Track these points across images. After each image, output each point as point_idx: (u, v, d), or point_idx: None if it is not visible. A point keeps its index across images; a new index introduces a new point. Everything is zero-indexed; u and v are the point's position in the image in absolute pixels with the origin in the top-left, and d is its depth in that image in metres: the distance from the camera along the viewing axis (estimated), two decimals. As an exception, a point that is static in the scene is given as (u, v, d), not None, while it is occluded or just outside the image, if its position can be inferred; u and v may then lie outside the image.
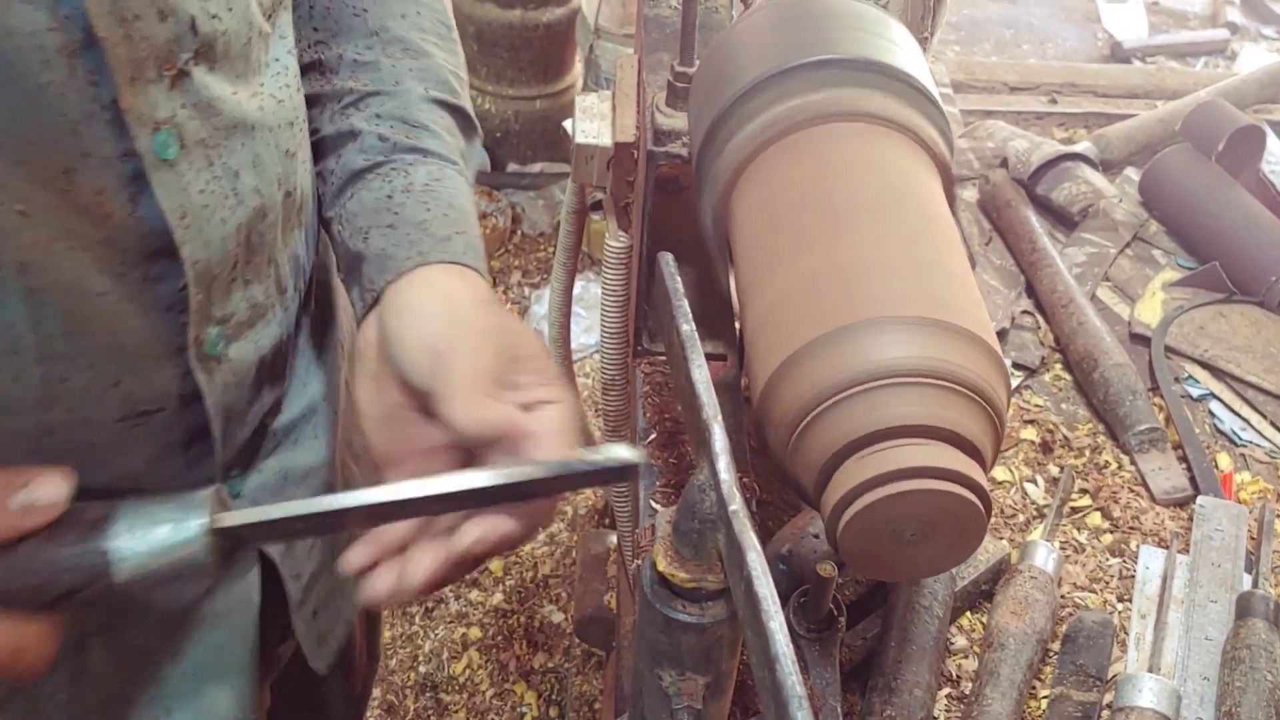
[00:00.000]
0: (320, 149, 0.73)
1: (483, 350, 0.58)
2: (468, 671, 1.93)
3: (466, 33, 2.49)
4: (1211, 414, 1.14)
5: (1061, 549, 0.98)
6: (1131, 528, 1.01)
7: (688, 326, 0.59)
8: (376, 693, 1.80)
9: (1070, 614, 0.91)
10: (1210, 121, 1.41)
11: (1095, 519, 1.02)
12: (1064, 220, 1.43)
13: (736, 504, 0.53)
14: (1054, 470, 1.07)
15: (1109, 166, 1.54)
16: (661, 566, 0.58)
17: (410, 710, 1.81)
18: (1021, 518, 1.02)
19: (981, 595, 0.92)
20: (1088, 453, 1.09)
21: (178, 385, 0.61)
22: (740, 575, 0.52)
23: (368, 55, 0.74)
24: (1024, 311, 1.27)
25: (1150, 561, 0.96)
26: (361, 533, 0.57)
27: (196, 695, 0.73)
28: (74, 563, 0.49)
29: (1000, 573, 0.92)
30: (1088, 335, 1.17)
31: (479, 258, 0.66)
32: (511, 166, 2.69)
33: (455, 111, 0.77)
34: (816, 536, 0.80)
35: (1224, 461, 1.08)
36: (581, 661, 1.69)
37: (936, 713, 0.83)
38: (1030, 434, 1.11)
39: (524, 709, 1.86)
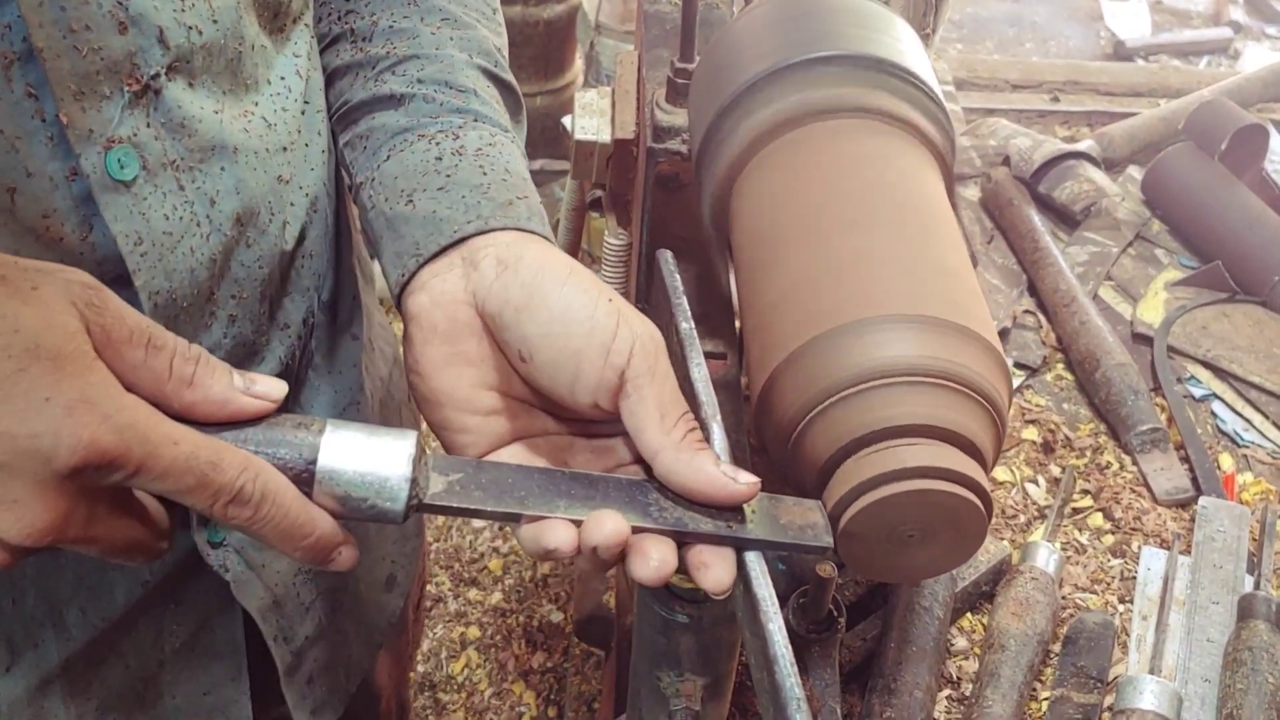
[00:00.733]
0: (350, 116, 0.68)
1: (661, 376, 0.52)
2: (466, 671, 1.93)
3: (467, 29, 2.49)
4: (1214, 414, 1.14)
5: (1063, 550, 0.97)
6: (1133, 528, 1.00)
7: (687, 324, 0.58)
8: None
9: (1071, 615, 0.91)
10: (1213, 120, 1.40)
11: (1097, 520, 1.02)
12: (1066, 219, 1.42)
13: (735, 504, 0.52)
14: (1055, 470, 1.07)
15: (1112, 165, 1.53)
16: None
17: (408, 709, 1.80)
18: (1022, 518, 1.02)
19: (982, 596, 0.92)
20: (1089, 453, 1.09)
21: None
22: (739, 575, 0.51)
23: (405, 23, 0.69)
24: (1026, 311, 1.26)
25: (1152, 563, 0.96)
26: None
27: None
28: (289, 439, 0.47)
29: (1001, 573, 0.91)
30: (1090, 335, 1.17)
31: (544, 224, 0.60)
32: (512, 163, 2.68)
33: (501, 84, 0.71)
34: (816, 536, 0.80)
35: (1226, 462, 1.08)
36: (580, 661, 1.68)
37: (937, 714, 0.82)
38: (1031, 434, 1.10)
39: (522, 709, 1.86)
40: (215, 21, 0.54)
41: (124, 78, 0.50)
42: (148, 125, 0.52)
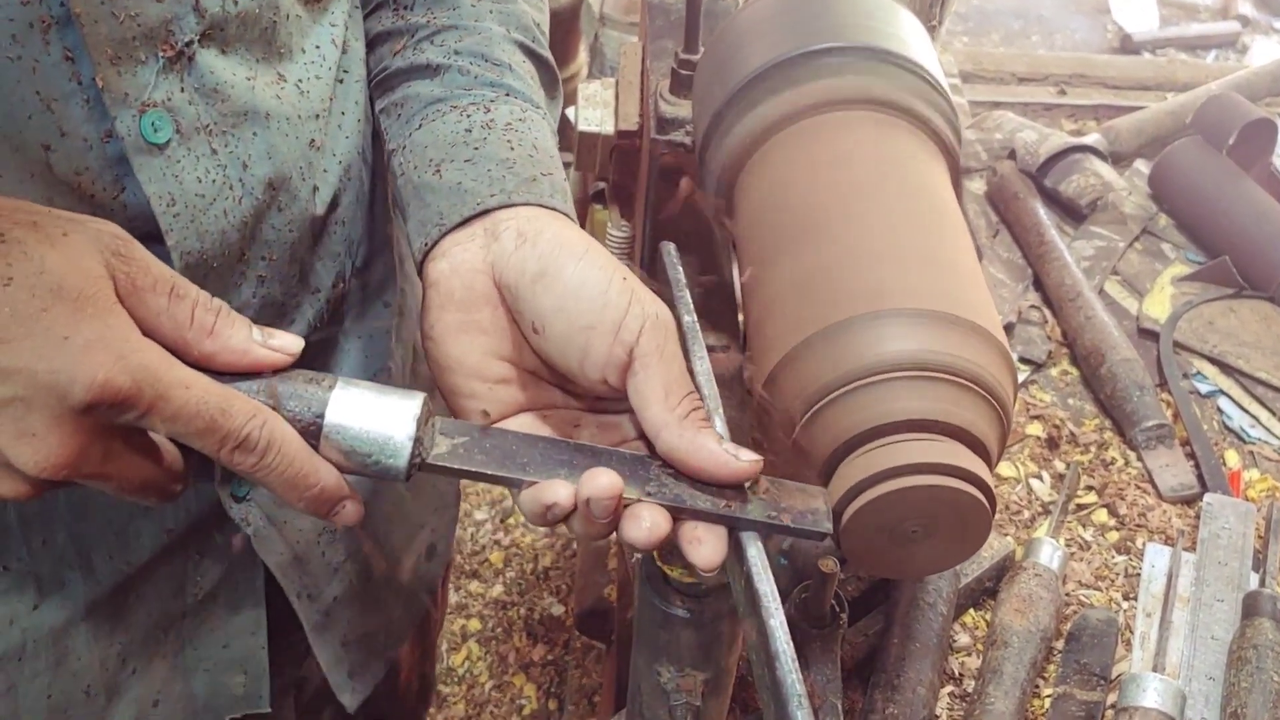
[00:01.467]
0: (388, 83, 0.69)
1: (669, 357, 0.52)
2: (467, 663, 1.93)
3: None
4: (1220, 410, 1.13)
5: (1067, 546, 0.97)
6: (1138, 525, 1.00)
7: (690, 317, 0.58)
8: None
9: (1075, 612, 0.90)
10: (1221, 114, 1.39)
11: (1101, 516, 1.01)
12: (1072, 213, 1.41)
13: (737, 499, 0.52)
14: (1060, 466, 1.06)
15: (1118, 159, 1.52)
16: (661, 562, 0.57)
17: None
18: (1026, 514, 1.01)
19: (985, 592, 0.91)
20: (1094, 449, 1.08)
21: None
22: (740, 570, 0.51)
23: None
24: (1031, 305, 1.26)
25: (1156, 559, 0.95)
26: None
27: (185, 693, 0.71)
28: (300, 393, 0.49)
29: (1004, 570, 0.91)
30: (1095, 330, 1.16)
31: (568, 202, 0.61)
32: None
33: (537, 60, 0.72)
34: (819, 531, 0.79)
35: (1232, 459, 1.07)
36: (581, 654, 1.68)
37: (939, 711, 0.82)
38: (1036, 429, 1.10)
39: (523, 701, 1.86)
40: None
41: (159, 44, 0.52)
42: (181, 90, 0.54)
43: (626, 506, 0.50)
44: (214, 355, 0.48)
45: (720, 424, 0.53)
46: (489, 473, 0.51)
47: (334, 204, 0.67)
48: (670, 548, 0.53)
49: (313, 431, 0.49)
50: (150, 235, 0.54)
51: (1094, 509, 1.02)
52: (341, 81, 0.67)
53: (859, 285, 0.64)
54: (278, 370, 0.49)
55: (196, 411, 0.45)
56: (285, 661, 0.76)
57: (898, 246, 0.66)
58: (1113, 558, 0.97)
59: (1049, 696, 0.84)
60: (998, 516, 1.00)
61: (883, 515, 0.59)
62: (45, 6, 0.48)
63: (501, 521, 2.17)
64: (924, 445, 0.59)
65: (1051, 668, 0.86)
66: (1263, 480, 1.05)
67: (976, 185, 1.46)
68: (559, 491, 0.50)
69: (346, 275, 0.70)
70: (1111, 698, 0.83)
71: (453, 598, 2.01)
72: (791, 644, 0.47)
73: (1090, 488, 1.04)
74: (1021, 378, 1.16)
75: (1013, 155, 1.47)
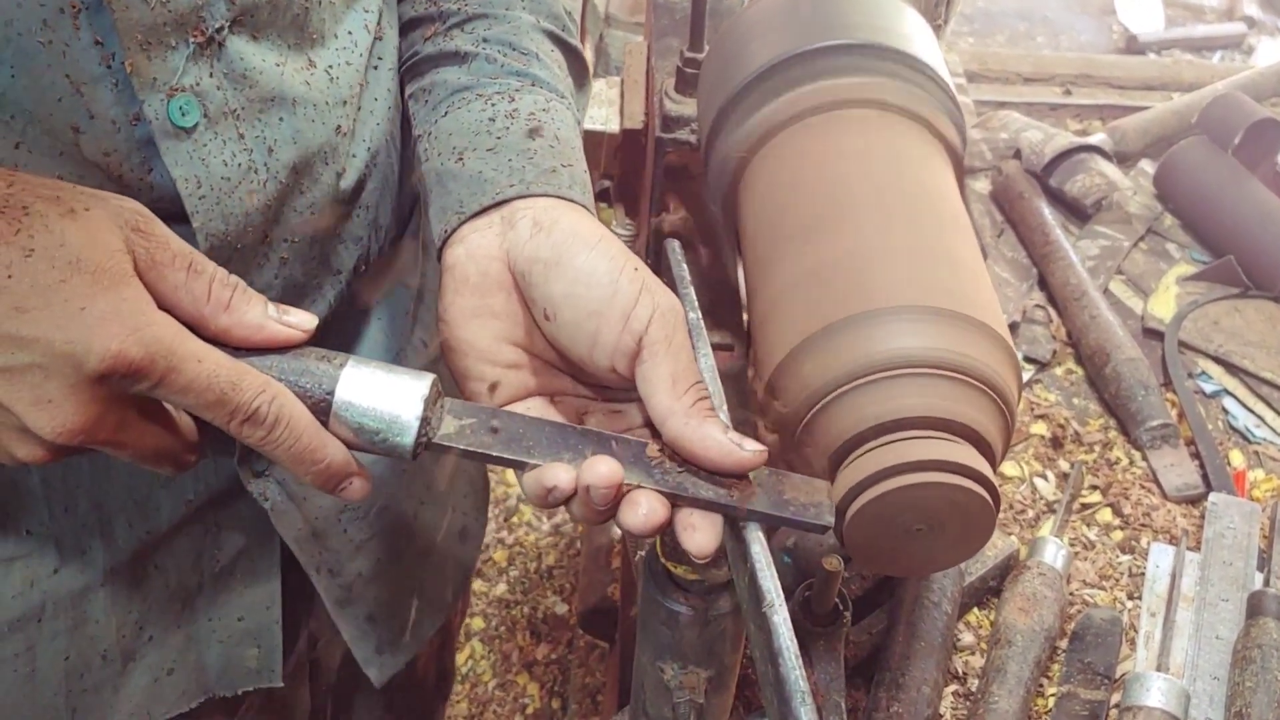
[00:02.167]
0: (417, 68, 0.70)
1: (677, 347, 0.53)
2: (470, 662, 1.93)
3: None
4: (1225, 410, 1.13)
5: (1071, 545, 0.97)
6: (1142, 524, 1.00)
7: (694, 315, 0.58)
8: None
9: (1079, 611, 0.90)
10: (1227, 114, 1.39)
11: (1105, 515, 1.01)
12: (1077, 212, 1.41)
13: (741, 496, 0.52)
14: (1064, 466, 1.06)
15: (1124, 159, 1.52)
16: (665, 559, 0.57)
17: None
18: (1031, 513, 1.01)
19: (989, 591, 0.91)
20: (1098, 448, 1.08)
21: None
22: (744, 568, 0.51)
23: None
24: (1036, 305, 1.26)
25: (1160, 559, 0.95)
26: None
27: (199, 663, 0.72)
28: (311, 370, 0.50)
29: (1009, 569, 0.91)
30: (1100, 329, 1.16)
31: (586, 194, 0.62)
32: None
33: (567, 49, 0.73)
34: (823, 530, 0.79)
35: (1237, 458, 1.07)
36: (585, 653, 1.68)
37: (943, 710, 0.82)
38: (1041, 429, 1.10)
39: (526, 700, 1.86)
40: None
41: (190, 30, 0.53)
42: (210, 76, 0.55)
43: (627, 492, 0.51)
44: (229, 330, 0.49)
45: (724, 418, 0.53)
46: (494, 454, 0.52)
47: (359, 188, 0.67)
48: (673, 540, 0.53)
49: (323, 408, 0.50)
50: (177, 216, 0.55)
51: (1098, 508, 1.02)
52: (375, 68, 0.67)
53: (864, 282, 0.64)
54: (292, 347, 0.50)
55: (208, 384, 0.47)
56: (297, 638, 0.77)
57: (903, 245, 0.66)
58: (1117, 557, 0.97)
59: (1053, 696, 0.84)
60: (1002, 515, 1.00)
61: (887, 513, 0.59)
62: None
63: (505, 520, 2.17)
64: (928, 443, 0.59)
65: (1055, 667, 0.86)
66: (1268, 480, 1.05)
67: (982, 185, 1.46)
68: (560, 475, 0.51)
69: (369, 258, 0.71)
70: (1115, 697, 0.82)
71: (456, 596, 2.02)
72: (795, 641, 0.47)
73: (1095, 487, 1.04)
74: (1026, 377, 1.16)
75: (1018, 155, 1.47)
